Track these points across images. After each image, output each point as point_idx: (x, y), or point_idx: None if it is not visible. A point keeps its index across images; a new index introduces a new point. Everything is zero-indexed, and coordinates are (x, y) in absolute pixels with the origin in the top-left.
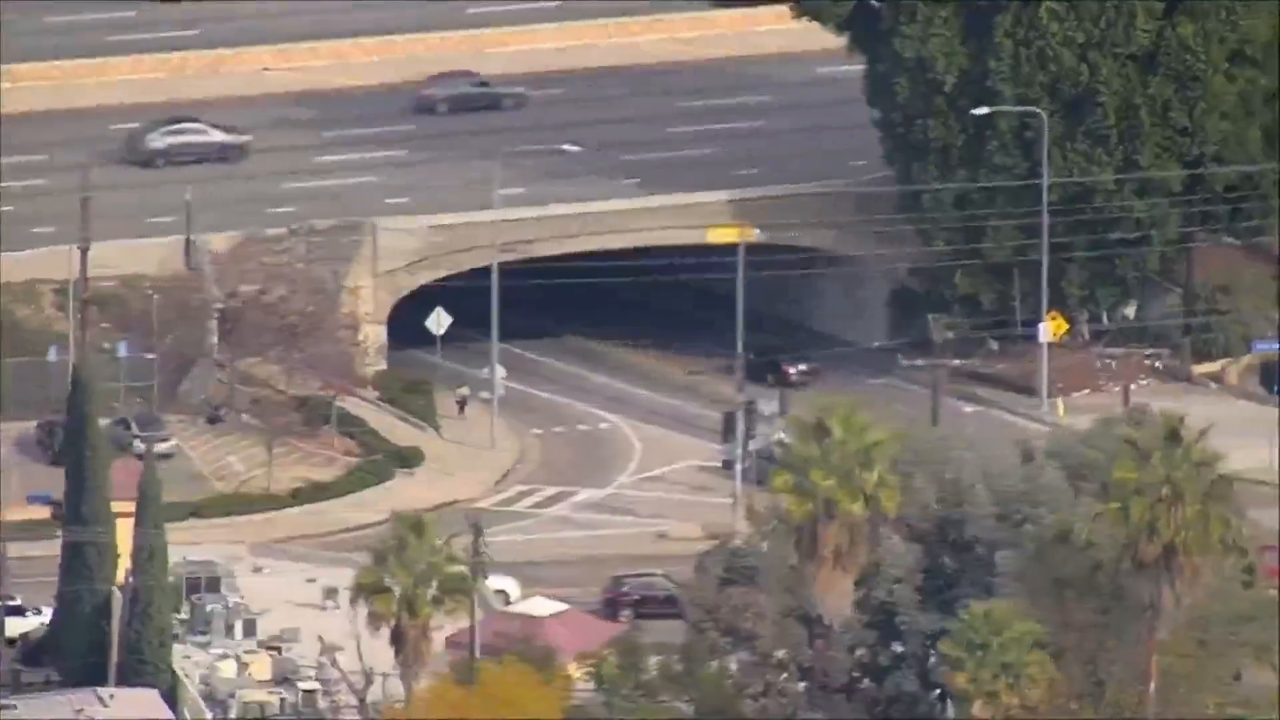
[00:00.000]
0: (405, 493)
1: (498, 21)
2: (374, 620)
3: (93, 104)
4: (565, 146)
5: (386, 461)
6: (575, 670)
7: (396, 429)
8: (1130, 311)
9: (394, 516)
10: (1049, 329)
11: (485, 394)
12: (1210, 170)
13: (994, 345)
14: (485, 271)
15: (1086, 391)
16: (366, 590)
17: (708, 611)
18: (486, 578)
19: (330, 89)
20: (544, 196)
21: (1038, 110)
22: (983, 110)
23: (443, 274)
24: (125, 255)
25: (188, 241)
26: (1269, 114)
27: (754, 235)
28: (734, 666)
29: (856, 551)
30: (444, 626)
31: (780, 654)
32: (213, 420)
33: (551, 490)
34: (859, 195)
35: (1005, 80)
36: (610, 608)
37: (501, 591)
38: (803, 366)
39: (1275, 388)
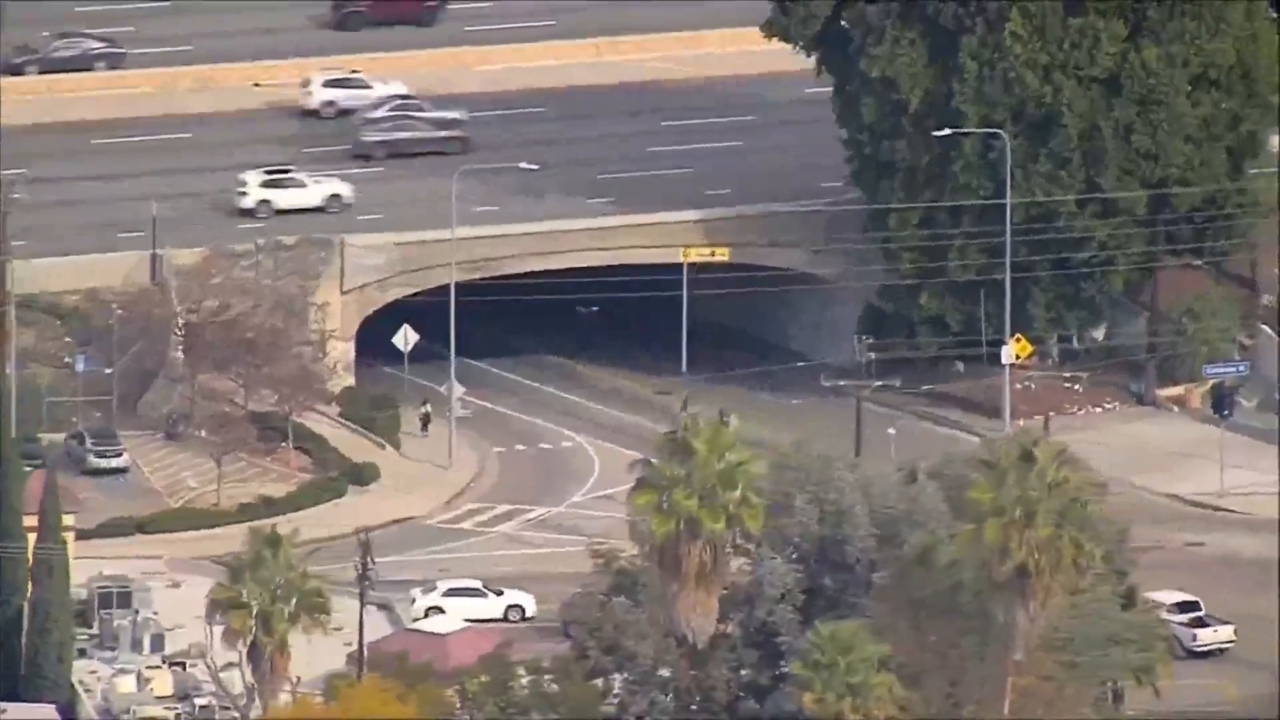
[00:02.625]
0: (355, 509)
1: (493, 40)
2: (229, 636)
3: (81, 118)
4: (523, 164)
5: (340, 478)
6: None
7: (356, 446)
8: (1099, 334)
9: (251, 532)
10: (1013, 350)
11: (459, 412)
12: (1173, 191)
13: (959, 367)
14: (456, 288)
15: (1051, 414)
16: (222, 605)
17: (590, 631)
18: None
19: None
20: (517, 215)
21: (1001, 132)
22: (945, 132)
23: (411, 291)
24: (89, 269)
25: (153, 256)
26: (1233, 138)
27: (726, 255)
28: (617, 685)
29: (720, 571)
30: (352, 644)
31: (663, 673)
32: (171, 435)
33: (503, 508)
34: (830, 215)
35: (969, 102)
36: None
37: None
38: (595, 308)
39: (1223, 412)
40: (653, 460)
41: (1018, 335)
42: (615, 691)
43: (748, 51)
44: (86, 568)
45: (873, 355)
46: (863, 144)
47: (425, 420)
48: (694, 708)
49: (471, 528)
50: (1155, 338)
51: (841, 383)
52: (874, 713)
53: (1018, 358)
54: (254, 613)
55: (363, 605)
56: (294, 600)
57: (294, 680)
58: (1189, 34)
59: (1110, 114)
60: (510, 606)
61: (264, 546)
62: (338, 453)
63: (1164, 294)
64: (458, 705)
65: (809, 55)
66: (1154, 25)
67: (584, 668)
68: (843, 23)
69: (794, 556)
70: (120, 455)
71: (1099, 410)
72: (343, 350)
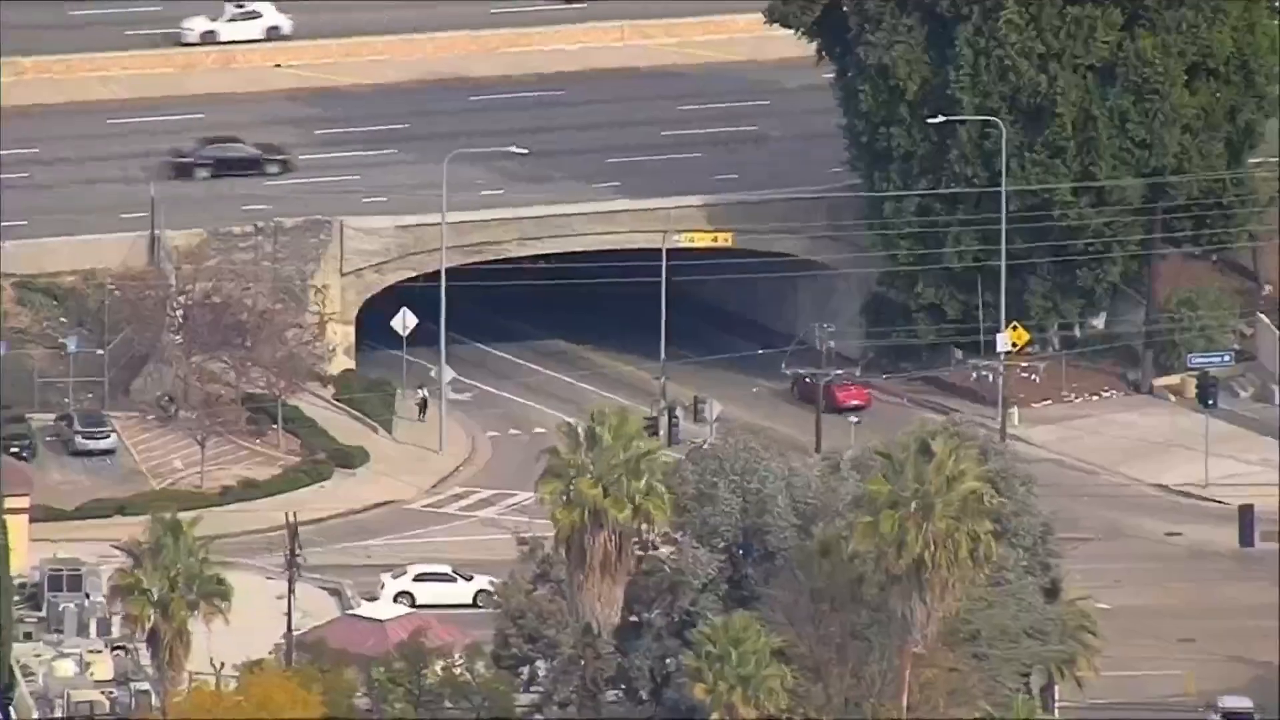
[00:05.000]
0: (338, 493)
1: (519, 23)
2: (129, 622)
3: (98, 98)
4: (513, 148)
5: (326, 461)
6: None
7: (347, 429)
8: (1099, 322)
9: (152, 518)
10: (1009, 338)
11: (455, 395)
12: (1169, 181)
13: (959, 355)
14: (457, 272)
15: (1048, 401)
16: (122, 591)
17: (513, 619)
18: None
19: (339, 87)
20: (520, 199)
21: (996, 120)
22: (939, 119)
23: (411, 274)
24: (88, 250)
25: (152, 238)
26: (1231, 128)
27: (729, 240)
28: (541, 673)
29: (626, 561)
30: (300, 628)
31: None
32: (162, 417)
33: (487, 493)
34: (831, 202)
35: (965, 89)
36: None
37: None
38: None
39: (1208, 402)
40: (559, 448)
41: (1014, 323)
42: (539, 680)
43: (771, 36)
44: (53, 550)
45: (832, 344)
46: (860, 131)
47: (423, 404)
48: (618, 694)
49: (454, 512)
50: (1151, 327)
51: (801, 370)
52: (765, 705)
53: (1014, 346)
54: (153, 599)
55: (291, 590)
56: (194, 587)
57: (217, 665)
58: (1186, 23)
59: (1105, 103)
60: (480, 592)
61: (165, 532)
62: (328, 436)
63: (1165, 284)
64: (360, 692)
65: (809, 42)
66: (1150, 14)
67: (508, 656)
68: (842, 9)
69: (720, 546)
70: (108, 437)
71: (1095, 398)
72: (343, 333)
